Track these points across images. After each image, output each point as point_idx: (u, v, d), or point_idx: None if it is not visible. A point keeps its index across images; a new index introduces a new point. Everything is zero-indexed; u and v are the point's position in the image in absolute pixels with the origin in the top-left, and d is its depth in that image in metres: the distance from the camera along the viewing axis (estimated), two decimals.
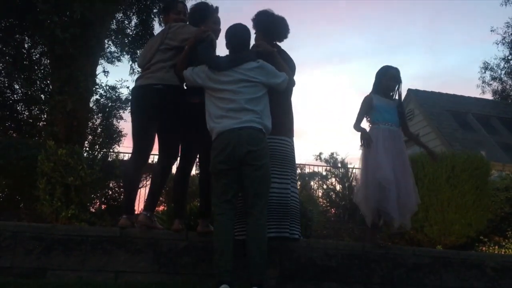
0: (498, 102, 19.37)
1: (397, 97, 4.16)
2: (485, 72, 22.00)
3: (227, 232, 2.99)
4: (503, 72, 21.56)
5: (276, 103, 3.41)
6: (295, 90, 3.74)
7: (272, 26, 3.69)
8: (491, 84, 21.97)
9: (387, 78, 4.10)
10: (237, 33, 3.34)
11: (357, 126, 4.04)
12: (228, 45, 3.36)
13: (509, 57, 21.01)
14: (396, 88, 4.14)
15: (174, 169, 3.86)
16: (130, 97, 3.93)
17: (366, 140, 3.86)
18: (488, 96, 21.28)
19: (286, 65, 3.51)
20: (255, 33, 3.70)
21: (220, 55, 3.43)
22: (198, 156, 3.76)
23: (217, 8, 3.82)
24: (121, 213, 3.57)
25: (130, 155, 3.86)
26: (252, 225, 2.99)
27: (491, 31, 20.82)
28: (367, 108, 4.07)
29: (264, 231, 3.02)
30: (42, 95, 9.20)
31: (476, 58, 51.72)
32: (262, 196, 3.05)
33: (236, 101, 3.09)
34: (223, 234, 2.97)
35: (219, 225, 3.00)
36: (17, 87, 9.28)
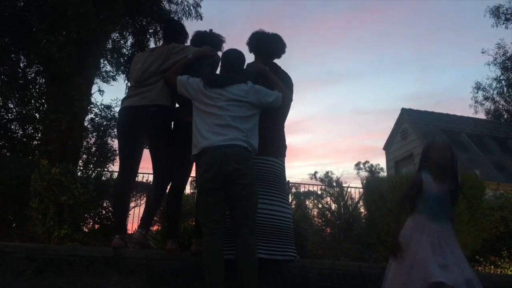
0: (491, 121, 19.58)
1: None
2: (477, 92, 22.35)
3: (217, 252, 2.95)
4: (495, 92, 21.93)
5: (268, 121, 3.42)
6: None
7: (263, 44, 3.73)
8: (483, 104, 22.31)
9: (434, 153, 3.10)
10: (231, 57, 3.44)
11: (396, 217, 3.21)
12: (222, 67, 3.46)
13: (501, 77, 21.34)
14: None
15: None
16: (119, 116, 3.84)
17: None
18: (481, 115, 21.57)
19: (281, 82, 3.54)
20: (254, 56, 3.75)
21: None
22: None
23: (221, 40, 3.87)
24: (113, 233, 3.53)
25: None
26: (242, 246, 2.96)
27: (482, 52, 21.24)
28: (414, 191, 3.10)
29: (254, 252, 2.99)
30: (36, 114, 9.19)
31: (468, 78, 52.44)
32: (250, 216, 3.03)
33: (222, 117, 3.10)
34: (213, 255, 2.93)
35: (209, 246, 2.96)
36: (12, 106, 9.28)
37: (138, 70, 3.63)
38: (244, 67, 3.56)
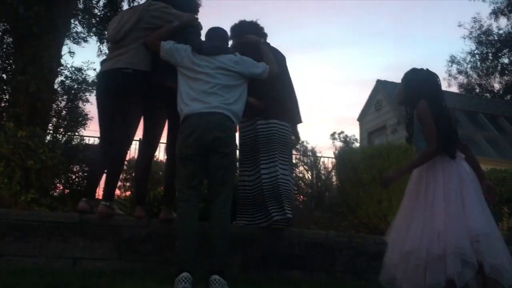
0: (463, 95, 19.92)
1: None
2: (451, 65, 22.64)
3: (191, 219, 2.96)
4: (469, 66, 22.18)
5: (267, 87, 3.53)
6: None
7: (245, 31, 3.79)
8: (457, 78, 22.60)
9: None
10: (216, 31, 3.45)
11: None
12: (207, 40, 3.45)
13: (475, 52, 21.60)
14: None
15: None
16: (97, 81, 3.75)
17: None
18: (454, 89, 21.88)
19: (271, 55, 3.58)
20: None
21: None
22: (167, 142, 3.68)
23: (198, 3, 3.85)
24: (81, 196, 3.48)
25: (97, 139, 3.76)
26: (216, 213, 2.98)
27: (459, 26, 21.43)
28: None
29: (227, 219, 3.03)
30: (4, 75, 8.87)
31: (443, 51, 52.95)
32: (227, 184, 3.04)
33: (210, 84, 3.08)
34: (186, 221, 2.94)
35: (183, 212, 2.97)
36: None
37: (113, 29, 3.50)
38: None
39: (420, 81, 2.97)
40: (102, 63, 3.60)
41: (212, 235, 2.93)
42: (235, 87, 3.17)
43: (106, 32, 9.43)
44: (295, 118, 3.97)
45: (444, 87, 21.81)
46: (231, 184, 3.10)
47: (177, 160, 3.08)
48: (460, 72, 22.68)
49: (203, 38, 3.52)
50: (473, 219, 2.57)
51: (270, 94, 3.60)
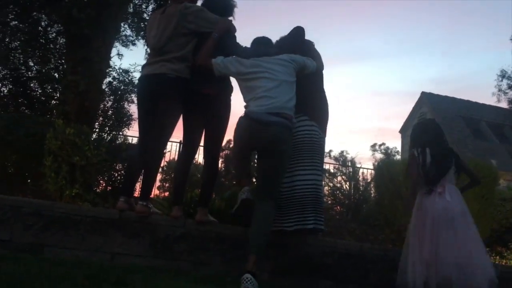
0: None
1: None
2: (502, 80, 21.61)
3: None
4: None
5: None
6: None
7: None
8: (507, 93, 21.61)
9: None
10: (263, 39, 3.60)
11: None
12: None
13: None
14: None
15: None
16: (138, 84, 3.83)
17: None
18: (504, 105, 20.95)
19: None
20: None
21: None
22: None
23: (232, 4, 3.80)
24: (120, 194, 3.59)
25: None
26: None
27: (511, 39, 20.50)
28: None
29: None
30: (56, 74, 9.28)
31: (493, 65, 50.97)
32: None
33: (261, 88, 3.24)
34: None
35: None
36: (32, 64, 9.36)
37: (153, 37, 3.55)
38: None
39: (418, 132, 3.76)
40: (143, 67, 3.68)
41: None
42: (290, 84, 3.30)
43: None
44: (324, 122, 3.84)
45: (493, 102, 21.02)
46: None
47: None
48: (510, 87, 21.76)
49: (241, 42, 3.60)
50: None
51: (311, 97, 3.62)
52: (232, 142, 4.37)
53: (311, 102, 3.60)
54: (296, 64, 3.38)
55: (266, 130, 3.11)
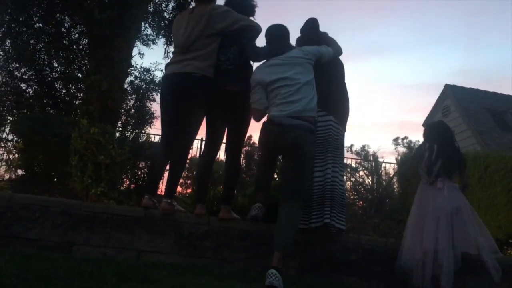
0: None
1: None
2: None
3: None
4: None
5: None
6: None
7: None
8: None
9: None
10: (276, 29, 3.58)
11: None
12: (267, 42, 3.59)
13: None
14: None
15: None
16: (163, 82, 3.88)
17: None
18: None
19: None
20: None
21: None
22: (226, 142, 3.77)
23: (253, 4, 3.84)
24: (144, 192, 3.64)
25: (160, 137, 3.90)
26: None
27: None
28: None
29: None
30: (79, 74, 9.42)
31: None
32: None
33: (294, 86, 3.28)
34: None
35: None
36: (56, 65, 9.53)
37: (182, 35, 3.58)
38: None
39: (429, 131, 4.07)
40: (167, 66, 3.72)
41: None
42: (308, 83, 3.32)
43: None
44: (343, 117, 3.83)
45: None
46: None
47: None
48: None
49: (263, 38, 3.61)
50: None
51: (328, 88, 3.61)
52: (257, 144, 4.38)
53: (329, 97, 3.60)
54: (312, 56, 3.41)
55: (288, 133, 3.14)
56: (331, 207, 3.44)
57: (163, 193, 3.71)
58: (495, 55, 49.82)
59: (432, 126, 4.17)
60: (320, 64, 3.48)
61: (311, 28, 3.86)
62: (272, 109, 3.28)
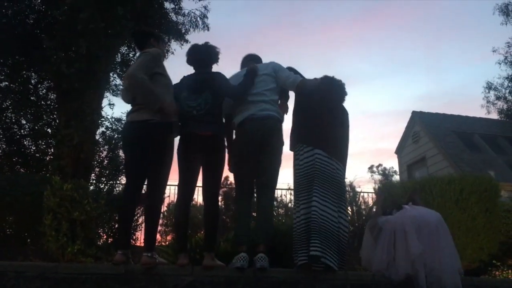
0: (504, 121, 19.24)
1: None
2: (489, 92, 21.92)
3: None
4: (507, 91, 21.50)
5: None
6: None
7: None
8: (496, 104, 21.85)
9: None
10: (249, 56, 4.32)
11: None
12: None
13: None
14: None
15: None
16: (122, 131, 3.88)
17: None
18: (494, 116, 21.14)
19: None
20: None
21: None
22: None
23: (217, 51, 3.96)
24: (116, 248, 3.53)
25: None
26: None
27: (493, 51, 20.93)
28: None
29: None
30: (49, 129, 9.30)
31: (478, 77, 51.94)
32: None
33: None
34: None
35: None
36: (24, 122, 9.39)
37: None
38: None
39: None
40: (128, 114, 3.72)
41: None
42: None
43: None
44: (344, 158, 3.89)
45: (483, 114, 21.24)
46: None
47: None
48: (498, 98, 21.98)
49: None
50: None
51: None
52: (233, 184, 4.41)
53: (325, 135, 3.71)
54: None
55: (262, 124, 3.66)
56: (321, 241, 3.38)
57: (143, 244, 3.60)
58: (457, 78, 51.88)
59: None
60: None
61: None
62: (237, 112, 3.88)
